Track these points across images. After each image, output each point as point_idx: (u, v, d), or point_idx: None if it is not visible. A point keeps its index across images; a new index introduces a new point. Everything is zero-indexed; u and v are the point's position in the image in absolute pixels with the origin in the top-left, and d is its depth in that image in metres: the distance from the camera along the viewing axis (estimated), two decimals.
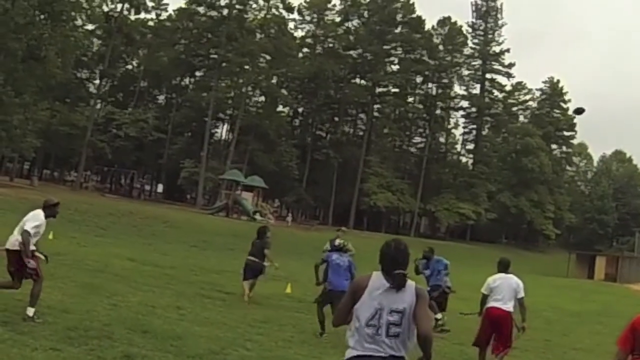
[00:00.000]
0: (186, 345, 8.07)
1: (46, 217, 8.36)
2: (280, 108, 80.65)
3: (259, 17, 72.16)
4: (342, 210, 73.52)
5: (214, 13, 71.13)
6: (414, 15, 78.96)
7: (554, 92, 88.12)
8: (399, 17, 78.83)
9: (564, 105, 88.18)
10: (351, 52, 79.11)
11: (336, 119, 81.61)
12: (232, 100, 74.18)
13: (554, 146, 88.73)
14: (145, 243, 27.94)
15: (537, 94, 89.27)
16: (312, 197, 74.80)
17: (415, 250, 6.33)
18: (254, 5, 71.59)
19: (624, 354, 4.67)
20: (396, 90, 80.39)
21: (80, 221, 29.57)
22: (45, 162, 73.94)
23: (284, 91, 78.71)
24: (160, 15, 75.23)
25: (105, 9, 63.70)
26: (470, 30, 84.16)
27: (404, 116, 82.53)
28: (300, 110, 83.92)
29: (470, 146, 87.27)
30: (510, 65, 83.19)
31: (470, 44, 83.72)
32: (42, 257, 8.46)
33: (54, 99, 60.09)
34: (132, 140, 65.84)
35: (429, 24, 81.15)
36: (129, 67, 78.04)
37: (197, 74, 76.91)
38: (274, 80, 76.38)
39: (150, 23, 74.61)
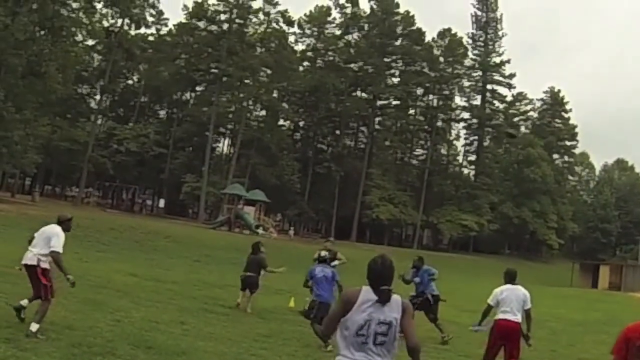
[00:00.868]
0: None
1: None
2: (281, 122, 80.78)
3: (259, 31, 72.50)
4: (345, 224, 73.26)
5: (214, 27, 71.47)
6: (414, 28, 79.26)
7: (554, 102, 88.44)
8: (399, 29, 79.21)
9: (565, 115, 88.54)
10: (352, 65, 79.20)
11: (337, 132, 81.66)
12: (233, 115, 74.23)
13: (555, 156, 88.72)
14: (148, 258, 27.90)
15: (538, 104, 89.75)
16: (314, 211, 74.74)
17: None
18: (254, 20, 72.08)
19: None
20: (397, 102, 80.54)
21: (82, 237, 29.43)
22: (46, 178, 73.84)
23: (284, 105, 78.79)
24: (160, 30, 75.37)
25: (106, 24, 63.66)
26: (470, 41, 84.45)
27: (405, 128, 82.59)
28: (301, 123, 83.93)
29: (472, 157, 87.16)
30: (511, 75, 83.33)
31: (470, 55, 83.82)
32: (69, 280, 8.47)
33: (54, 115, 60.04)
34: (133, 156, 65.78)
35: (429, 36, 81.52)
36: (130, 82, 78.16)
37: (198, 88, 76.97)
38: (275, 94, 76.54)
39: (151, 38, 74.75)
